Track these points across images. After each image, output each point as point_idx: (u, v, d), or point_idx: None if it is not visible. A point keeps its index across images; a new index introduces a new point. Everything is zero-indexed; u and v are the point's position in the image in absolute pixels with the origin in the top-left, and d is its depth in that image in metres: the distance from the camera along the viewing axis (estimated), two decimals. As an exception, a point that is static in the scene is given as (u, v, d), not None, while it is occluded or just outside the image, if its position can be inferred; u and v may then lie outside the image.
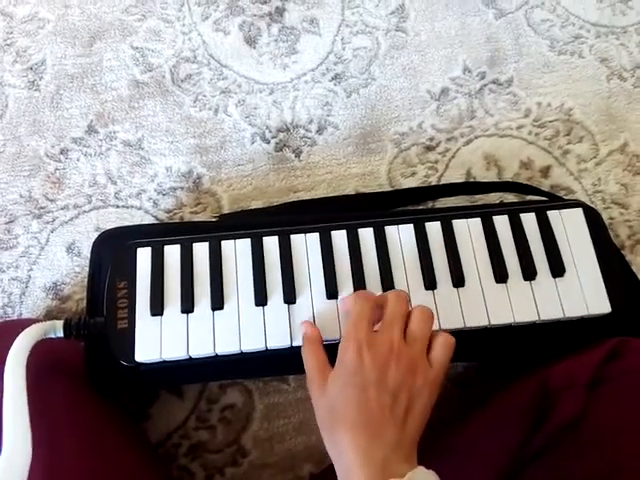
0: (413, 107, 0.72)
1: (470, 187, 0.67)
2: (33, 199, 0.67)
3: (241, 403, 0.59)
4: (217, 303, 0.49)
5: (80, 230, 0.65)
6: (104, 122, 0.70)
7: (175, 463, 0.57)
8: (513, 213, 0.53)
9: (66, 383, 0.49)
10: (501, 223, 0.53)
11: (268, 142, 0.70)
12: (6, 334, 0.46)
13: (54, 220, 0.66)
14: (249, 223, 0.57)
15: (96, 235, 0.56)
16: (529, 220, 0.53)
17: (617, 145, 0.70)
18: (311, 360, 0.43)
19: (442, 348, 0.43)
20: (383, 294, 0.46)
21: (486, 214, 0.53)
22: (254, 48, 0.74)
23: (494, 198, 0.67)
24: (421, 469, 0.37)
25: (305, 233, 0.52)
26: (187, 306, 0.49)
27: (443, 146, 0.70)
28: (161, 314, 0.49)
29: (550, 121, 0.71)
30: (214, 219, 0.65)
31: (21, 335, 0.45)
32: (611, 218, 0.67)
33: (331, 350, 0.44)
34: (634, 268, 0.58)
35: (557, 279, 0.51)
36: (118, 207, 0.67)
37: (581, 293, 0.51)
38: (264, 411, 0.59)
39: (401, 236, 0.53)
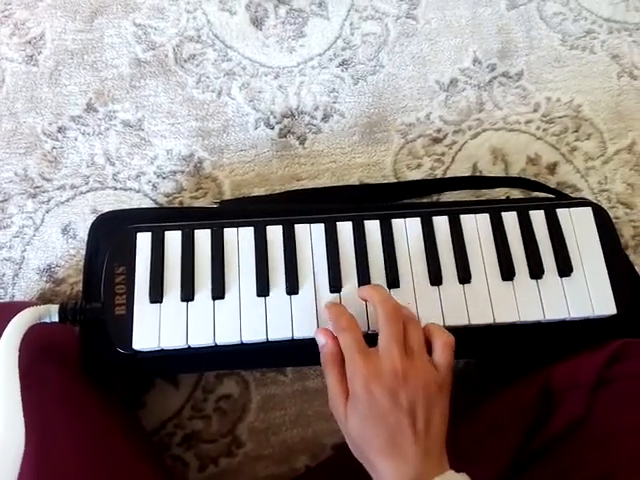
0: (421, 97, 0.70)
1: (476, 181, 0.66)
2: (29, 178, 0.65)
3: (237, 393, 0.58)
4: (218, 292, 0.48)
5: (76, 211, 0.64)
6: (104, 101, 0.68)
7: (169, 452, 0.57)
8: (522, 210, 0.53)
9: (59, 368, 0.49)
10: (509, 220, 0.52)
11: (272, 128, 0.68)
12: (-1, 317, 0.45)
13: (49, 200, 0.64)
14: (251, 210, 0.56)
15: (93, 217, 0.55)
16: (538, 218, 0.52)
17: (625, 144, 0.69)
18: (334, 381, 0.42)
19: (443, 350, 0.42)
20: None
21: (494, 210, 0.53)
22: (260, 30, 0.72)
23: (500, 193, 0.66)
24: (451, 473, 0.38)
25: (310, 223, 0.51)
26: (187, 294, 0.48)
27: (450, 138, 0.69)
28: (160, 301, 0.48)
29: (559, 117, 0.70)
30: (215, 205, 0.64)
31: (15, 318, 0.44)
32: (616, 217, 0.66)
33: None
34: (637, 268, 0.58)
35: (564, 279, 0.50)
36: (116, 189, 0.65)
37: (587, 293, 0.50)
38: (260, 402, 0.58)
39: (408, 229, 0.52)
